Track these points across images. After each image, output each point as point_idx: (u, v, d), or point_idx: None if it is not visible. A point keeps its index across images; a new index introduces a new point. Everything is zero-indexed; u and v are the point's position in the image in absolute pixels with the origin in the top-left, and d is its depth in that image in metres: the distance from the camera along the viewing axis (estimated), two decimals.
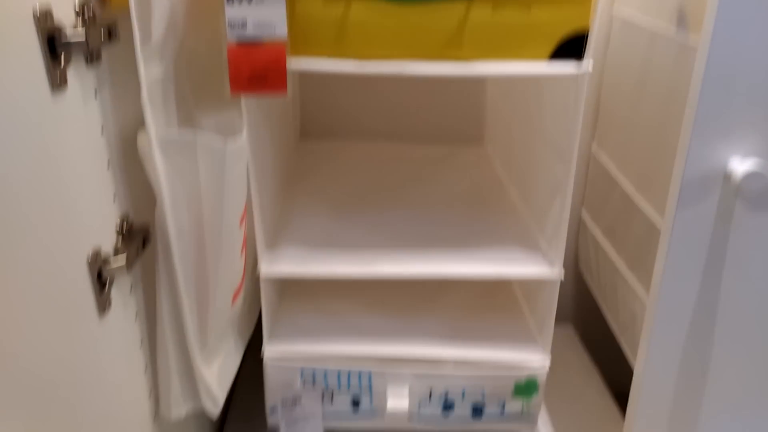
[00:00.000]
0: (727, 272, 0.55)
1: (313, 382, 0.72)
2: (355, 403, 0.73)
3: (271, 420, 0.75)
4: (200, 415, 0.79)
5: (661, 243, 0.54)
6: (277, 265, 0.68)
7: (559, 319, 1.17)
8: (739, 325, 0.57)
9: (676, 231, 0.52)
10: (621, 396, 0.94)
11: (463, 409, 0.74)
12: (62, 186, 0.44)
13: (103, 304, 0.49)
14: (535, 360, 0.72)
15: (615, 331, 0.91)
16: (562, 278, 0.68)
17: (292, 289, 0.85)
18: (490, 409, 0.74)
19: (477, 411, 0.74)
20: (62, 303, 0.45)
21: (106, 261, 0.49)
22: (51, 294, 0.43)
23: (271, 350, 0.72)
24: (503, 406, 0.74)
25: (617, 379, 0.96)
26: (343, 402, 0.73)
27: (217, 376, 0.65)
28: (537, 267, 0.69)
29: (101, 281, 0.49)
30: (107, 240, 0.51)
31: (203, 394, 0.62)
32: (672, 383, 0.60)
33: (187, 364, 0.61)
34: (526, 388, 0.72)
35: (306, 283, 0.86)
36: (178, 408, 0.62)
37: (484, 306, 0.82)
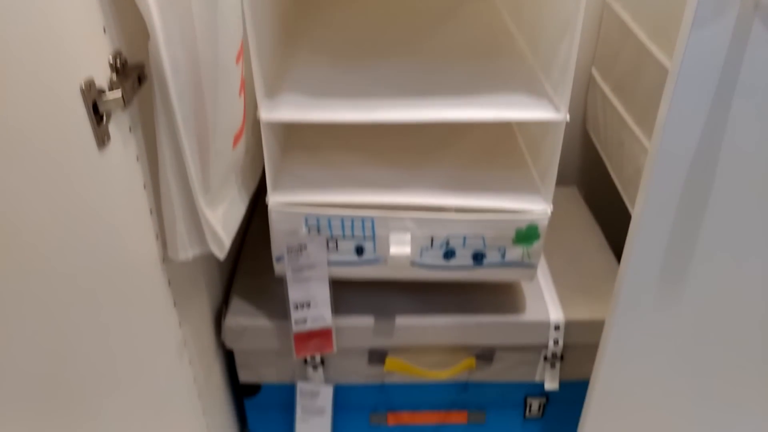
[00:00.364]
0: (736, 102, 0.53)
1: (318, 229, 0.73)
2: (359, 251, 0.75)
3: (277, 268, 0.78)
4: (211, 267, 0.82)
5: (671, 73, 0.52)
6: (277, 111, 0.67)
7: (564, 181, 1.17)
8: (742, 165, 0.57)
9: (687, 55, 0.50)
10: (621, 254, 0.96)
11: (464, 256, 0.75)
12: (48, 10, 0.42)
13: (101, 137, 0.49)
14: (536, 207, 0.73)
15: (619, 188, 0.91)
16: (568, 119, 0.66)
17: (294, 142, 0.84)
18: (490, 256, 0.75)
19: (478, 258, 0.75)
20: (60, 133, 0.44)
21: (101, 93, 0.48)
22: (47, 121, 0.43)
23: (275, 199, 0.73)
24: (504, 254, 0.75)
25: (619, 239, 0.97)
26: (347, 249, 0.75)
27: (221, 221, 0.66)
28: (543, 111, 0.67)
29: (98, 114, 0.49)
30: (101, 74, 0.49)
31: (209, 237, 0.64)
32: (669, 225, 0.60)
33: (191, 208, 0.61)
34: (526, 234, 0.73)
35: (308, 136, 0.85)
36: (185, 251, 0.64)
37: (487, 157, 0.81)
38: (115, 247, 0.54)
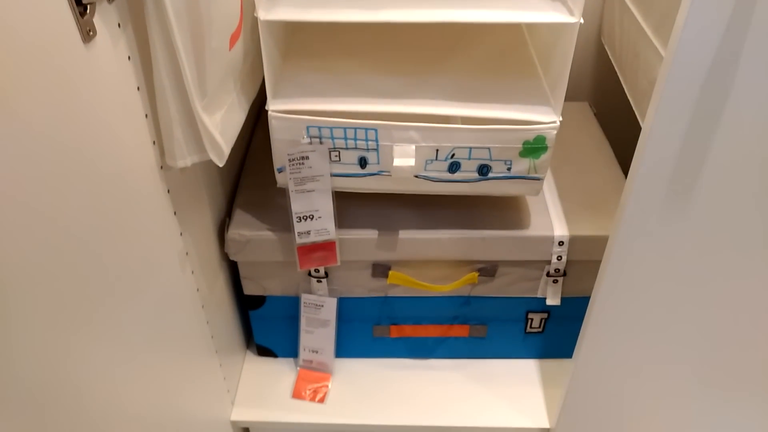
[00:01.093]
0: (760, 7, 0.50)
1: (320, 139, 0.72)
2: (362, 162, 0.73)
3: (279, 179, 0.77)
4: (213, 178, 0.81)
5: None
6: (275, 10, 0.64)
7: (576, 96, 1.14)
8: (763, 76, 0.54)
9: None
10: None
11: (469, 168, 0.74)
12: None
13: (85, 29, 0.46)
14: (545, 118, 0.70)
15: (632, 103, 0.88)
16: (582, 21, 0.63)
17: (295, 48, 0.81)
18: (496, 169, 0.74)
19: (483, 170, 0.74)
20: (42, 23, 0.42)
21: None
22: (27, 10, 0.40)
23: (275, 106, 0.71)
24: (510, 166, 0.73)
25: (628, 157, 0.95)
26: (350, 160, 0.73)
27: (219, 127, 0.64)
28: (556, 13, 0.64)
29: (81, 5, 0.46)
30: None
31: (207, 143, 0.62)
32: (680, 137, 0.58)
33: (187, 112, 0.59)
34: (534, 146, 0.71)
35: (310, 41, 0.82)
36: (183, 158, 0.62)
37: (496, 66, 0.78)
38: (110, 151, 0.53)
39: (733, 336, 0.74)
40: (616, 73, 0.96)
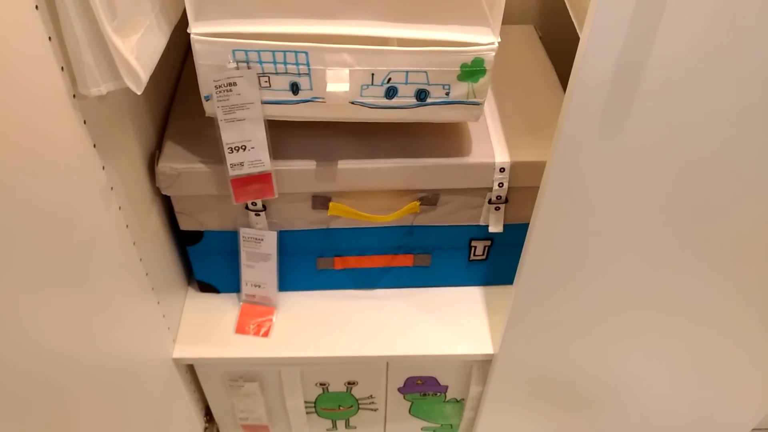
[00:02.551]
0: None
1: (248, 64, 0.67)
2: (294, 88, 0.70)
3: (207, 108, 0.73)
4: (140, 108, 0.76)
5: None
6: None
7: (522, 20, 1.11)
8: None
9: None
10: None
11: (406, 94, 0.71)
12: None
13: None
14: (483, 39, 0.68)
15: (575, 24, 0.86)
16: None
17: None
18: (434, 94, 0.71)
19: (421, 95, 0.71)
20: None
21: None
22: None
23: (198, 29, 0.66)
24: (448, 91, 0.71)
25: None
26: (281, 86, 0.70)
27: (135, 51, 0.59)
28: None
29: None
30: None
31: (121, 67, 0.57)
32: (616, 52, 0.56)
33: (96, 34, 0.55)
34: (472, 69, 0.69)
35: None
36: (97, 85, 0.58)
37: None
38: (8, 79, 0.48)
39: (672, 257, 0.75)
40: None
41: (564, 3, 0.91)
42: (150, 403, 0.83)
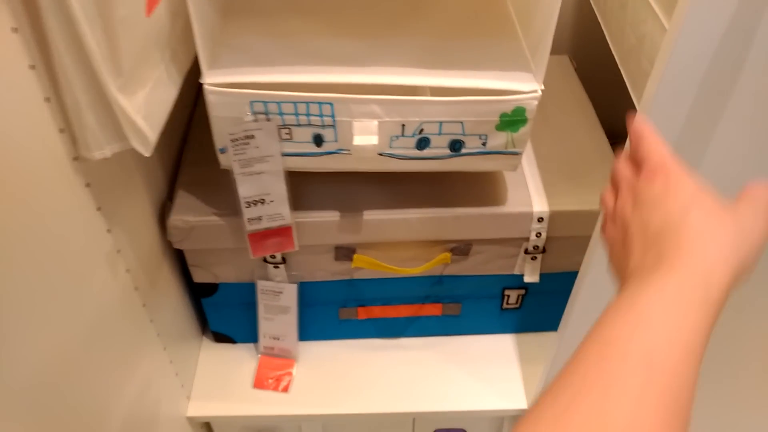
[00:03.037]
0: None
1: (267, 116, 0.62)
2: (318, 140, 0.64)
3: (222, 160, 0.67)
4: (149, 160, 0.70)
5: None
6: None
7: (555, 49, 1.04)
8: None
9: None
10: (614, 136, 0.86)
11: (439, 145, 0.65)
12: None
13: None
14: (525, 87, 0.61)
15: (617, 59, 0.79)
16: None
17: (236, 5, 0.69)
18: (470, 144, 0.65)
19: (455, 146, 0.65)
20: None
21: None
22: None
23: (212, 79, 0.60)
24: (485, 141, 0.65)
25: (612, 117, 0.87)
26: (304, 138, 0.64)
27: (143, 109, 0.54)
28: None
29: None
30: None
31: (127, 130, 0.52)
32: (682, 118, 0.50)
33: (98, 94, 0.49)
34: (512, 119, 0.63)
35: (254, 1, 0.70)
36: (100, 148, 0.52)
37: (469, 25, 0.68)
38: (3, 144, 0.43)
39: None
40: (599, 23, 0.86)
41: (600, 31, 0.84)
42: None
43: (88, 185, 0.56)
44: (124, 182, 0.65)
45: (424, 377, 0.90)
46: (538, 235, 0.77)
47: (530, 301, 0.89)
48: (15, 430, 0.46)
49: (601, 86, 0.94)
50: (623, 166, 0.41)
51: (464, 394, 0.88)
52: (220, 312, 0.88)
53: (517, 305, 0.90)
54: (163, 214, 0.75)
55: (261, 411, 0.87)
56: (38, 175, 0.48)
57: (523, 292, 0.88)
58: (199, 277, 0.82)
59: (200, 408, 0.86)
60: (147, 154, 0.55)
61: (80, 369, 0.56)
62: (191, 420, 0.87)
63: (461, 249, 0.79)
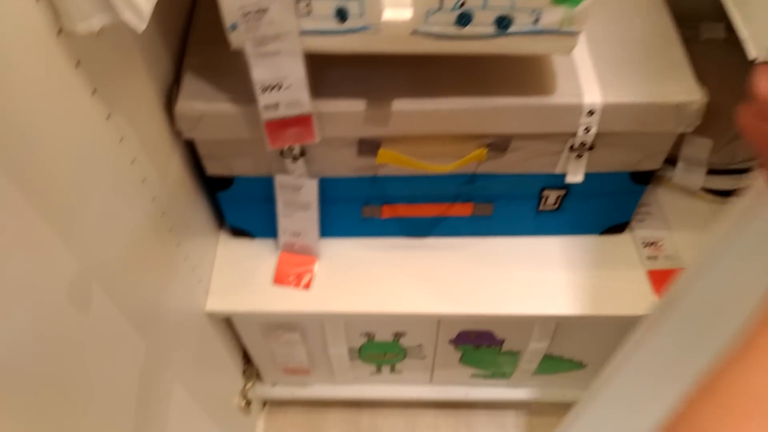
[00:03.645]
0: None
1: None
2: (341, 14, 0.55)
3: (233, 39, 0.59)
4: (152, 38, 0.62)
5: None
6: None
7: None
8: None
9: None
10: (681, 19, 0.75)
11: (484, 20, 0.55)
12: None
13: None
14: None
15: None
16: None
17: None
18: (519, 21, 0.56)
19: (502, 22, 0.56)
20: None
21: None
22: None
23: None
24: (538, 17, 0.55)
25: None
26: (324, 12, 0.55)
27: None
28: None
29: None
30: None
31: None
32: None
33: None
34: None
35: None
36: (85, 20, 0.44)
37: None
38: None
39: None
40: None
41: None
42: (185, 354, 0.76)
43: (78, 64, 0.48)
44: (123, 63, 0.58)
45: (451, 278, 0.85)
46: (587, 130, 0.69)
47: (570, 202, 0.82)
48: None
49: None
50: None
51: (492, 296, 0.83)
52: (238, 206, 0.83)
53: (555, 207, 0.83)
54: (170, 100, 0.68)
55: (282, 307, 0.84)
56: (17, 56, 0.41)
57: (563, 192, 0.81)
58: (213, 169, 0.76)
59: (219, 303, 0.84)
60: (140, 27, 0.47)
61: (92, 264, 0.51)
62: (211, 315, 0.84)
63: (499, 145, 0.72)
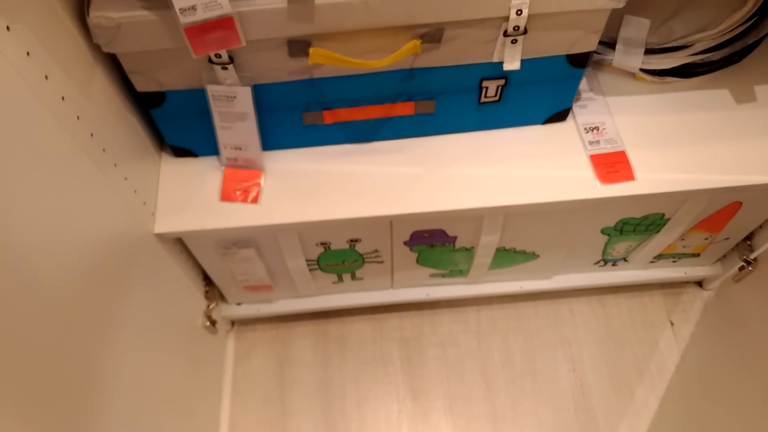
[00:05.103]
0: None
1: None
2: None
3: None
4: None
5: None
6: None
7: None
8: None
9: None
10: None
11: None
12: None
13: None
14: None
15: None
16: None
17: None
18: None
19: None
20: None
21: None
22: None
23: None
24: None
25: None
26: None
27: None
28: None
29: None
30: None
31: None
32: None
33: None
34: None
35: None
36: None
37: None
38: None
39: None
40: None
41: None
42: (141, 278, 0.76)
43: None
44: None
45: (399, 179, 0.86)
46: (519, 12, 0.68)
47: (510, 92, 0.82)
48: None
49: None
50: None
51: (440, 193, 0.84)
52: (174, 124, 0.81)
53: (496, 98, 0.83)
54: (81, 9, 0.64)
55: (232, 223, 0.83)
56: None
57: (502, 82, 0.80)
58: (142, 85, 0.73)
59: (167, 224, 0.83)
60: None
61: (21, 189, 0.50)
62: (161, 237, 0.84)
63: (432, 35, 0.70)
